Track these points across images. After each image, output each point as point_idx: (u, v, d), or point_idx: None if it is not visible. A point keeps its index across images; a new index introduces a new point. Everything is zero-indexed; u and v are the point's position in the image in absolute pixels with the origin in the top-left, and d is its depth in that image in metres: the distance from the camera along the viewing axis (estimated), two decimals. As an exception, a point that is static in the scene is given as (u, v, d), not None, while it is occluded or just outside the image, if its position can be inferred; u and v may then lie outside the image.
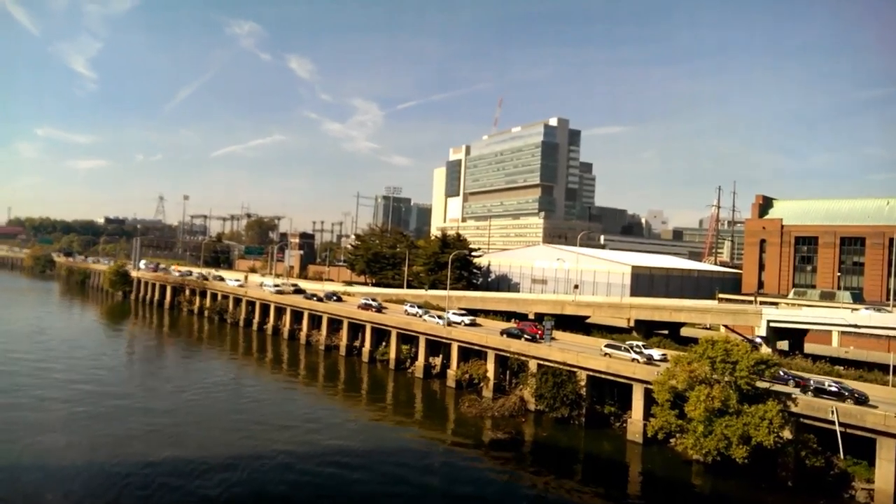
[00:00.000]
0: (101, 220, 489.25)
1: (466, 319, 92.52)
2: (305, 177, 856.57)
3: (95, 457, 50.79)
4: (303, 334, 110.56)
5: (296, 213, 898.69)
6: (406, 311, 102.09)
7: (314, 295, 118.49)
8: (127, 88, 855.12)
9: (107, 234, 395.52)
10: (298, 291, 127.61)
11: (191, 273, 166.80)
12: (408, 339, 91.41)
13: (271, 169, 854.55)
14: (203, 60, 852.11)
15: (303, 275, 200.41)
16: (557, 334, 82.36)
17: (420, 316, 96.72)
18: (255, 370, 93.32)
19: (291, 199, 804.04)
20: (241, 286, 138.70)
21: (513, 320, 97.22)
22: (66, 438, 55.53)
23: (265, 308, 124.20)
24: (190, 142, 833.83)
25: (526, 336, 77.98)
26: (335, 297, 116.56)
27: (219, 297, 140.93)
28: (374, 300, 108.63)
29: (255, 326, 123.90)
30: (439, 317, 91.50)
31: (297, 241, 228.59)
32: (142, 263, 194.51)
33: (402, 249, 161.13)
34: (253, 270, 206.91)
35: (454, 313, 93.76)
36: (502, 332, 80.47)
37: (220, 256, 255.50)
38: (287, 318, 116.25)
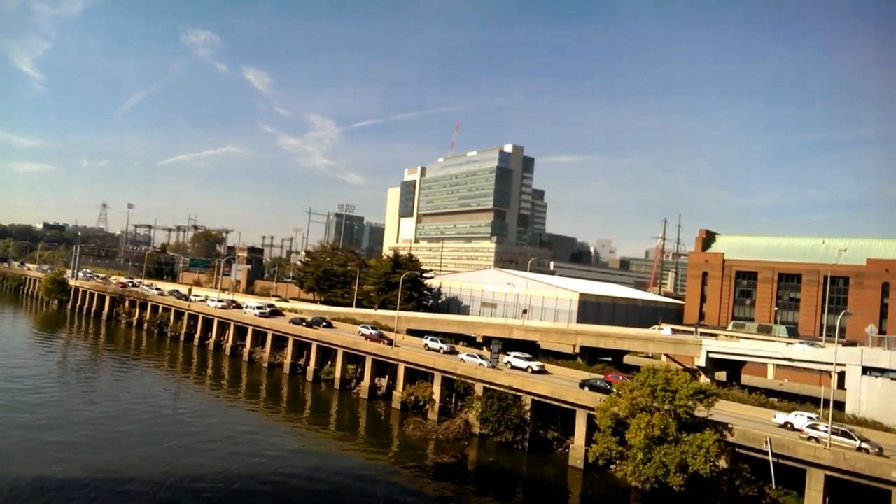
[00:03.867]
0: (39, 226, 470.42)
1: (535, 365, 77.47)
2: (257, 190, 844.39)
3: (12, 473, 48.04)
4: (246, 350, 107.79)
5: (245, 226, 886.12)
6: (426, 345, 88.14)
7: (303, 320, 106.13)
8: (75, 91, 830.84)
9: (45, 240, 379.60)
10: (275, 313, 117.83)
11: (161, 290, 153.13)
12: (354, 358, 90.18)
13: (222, 181, 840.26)
14: (156, 67, 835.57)
15: (250, 290, 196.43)
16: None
17: (444, 352, 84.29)
18: (194, 386, 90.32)
19: (241, 213, 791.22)
20: (223, 307, 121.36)
21: (461, 343, 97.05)
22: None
23: (208, 322, 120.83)
24: (138, 149, 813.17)
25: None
26: (325, 324, 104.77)
27: (160, 310, 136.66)
28: (374, 328, 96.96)
29: (196, 341, 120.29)
30: (480, 357, 78.37)
31: (244, 255, 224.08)
32: (80, 273, 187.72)
33: (353, 268, 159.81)
34: (198, 284, 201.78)
35: (516, 356, 79.50)
36: (582, 385, 67.00)
37: (163, 268, 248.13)
38: (230, 333, 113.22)
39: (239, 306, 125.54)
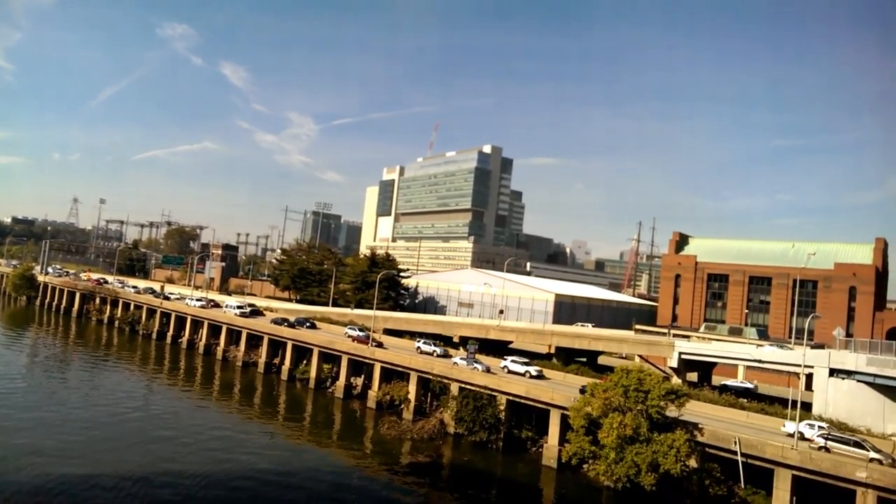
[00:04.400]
0: (7, 220, 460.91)
1: (533, 370, 76.23)
2: (232, 187, 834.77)
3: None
4: (219, 349, 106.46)
5: (220, 223, 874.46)
6: (419, 348, 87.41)
7: (285, 320, 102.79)
8: (47, 83, 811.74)
9: (14, 234, 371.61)
10: (256, 313, 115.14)
11: (137, 288, 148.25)
12: (330, 357, 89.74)
13: (197, 177, 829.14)
14: (131, 60, 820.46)
15: (224, 288, 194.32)
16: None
17: (436, 355, 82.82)
18: (166, 385, 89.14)
19: (216, 210, 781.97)
20: (203, 307, 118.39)
21: (437, 342, 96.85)
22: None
23: (180, 320, 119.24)
24: (112, 143, 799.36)
25: None
26: (308, 324, 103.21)
27: (131, 307, 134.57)
28: (362, 329, 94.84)
29: (168, 339, 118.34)
30: (477, 362, 76.04)
31: (219, 252, 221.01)
32: (50, 269, 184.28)
33: (330, 266, 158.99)
34: (170, 281, 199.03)
35: (514, 361, 78.80)
36: (582, 391, 62.26)
37: (135, 265, 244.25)
38: (203, 331, 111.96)
39: (218, 305, 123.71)
